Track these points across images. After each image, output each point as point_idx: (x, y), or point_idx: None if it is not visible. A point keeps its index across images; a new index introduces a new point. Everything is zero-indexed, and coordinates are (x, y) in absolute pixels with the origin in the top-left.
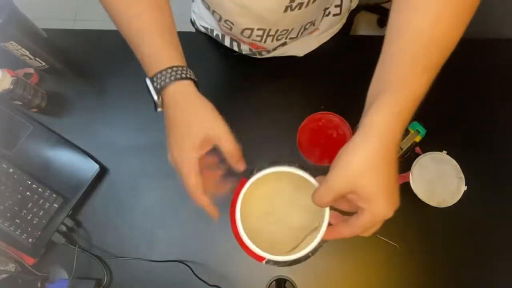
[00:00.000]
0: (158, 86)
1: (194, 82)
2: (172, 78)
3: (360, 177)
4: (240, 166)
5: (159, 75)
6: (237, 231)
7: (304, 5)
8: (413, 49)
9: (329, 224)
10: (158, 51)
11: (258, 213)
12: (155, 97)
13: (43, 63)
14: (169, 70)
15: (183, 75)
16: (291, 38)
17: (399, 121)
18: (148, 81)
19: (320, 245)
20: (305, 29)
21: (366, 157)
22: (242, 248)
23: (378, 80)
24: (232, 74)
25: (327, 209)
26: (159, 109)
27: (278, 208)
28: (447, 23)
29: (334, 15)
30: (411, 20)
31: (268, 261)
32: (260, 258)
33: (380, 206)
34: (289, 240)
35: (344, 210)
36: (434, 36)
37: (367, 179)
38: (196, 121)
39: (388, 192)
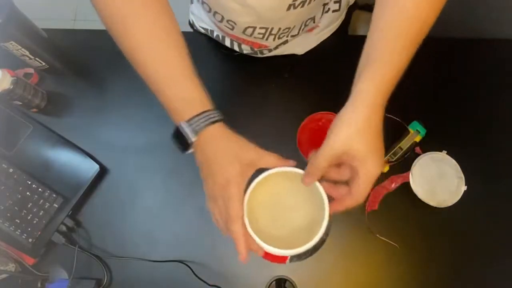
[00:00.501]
0: (197, 128)
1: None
2: (209, 120)
3: (353, 140)
4: (291, 163)
5: (196, 119)
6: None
7: (307, 2)
8: (398, 25)
9: (331, 200)
10: (191, 96)
11: (264, 221)
12: (193, 139)
13: (43, 63)
14: (206, 114)
15: (217, 118)
16: (292, 36)
17: (383, 91)
18: (184, 125)
19: (330, 223)
20: (305, 25)
21: (356, 124)
22: (262, 256)
23: (367, 53)
24: (232, 74)
25: (319, 186)
26: (190, 150)
27: (281, 210)
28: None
29: (333, 11)
30: (397, 1)
31: (291, 258)
32: (282, 259)
33: (371, 164)
34: (300, 239)
35: (334, 179)
36: (418, 13)
37: (359, 142)
38: (236, 151)
39: (377, 151)
